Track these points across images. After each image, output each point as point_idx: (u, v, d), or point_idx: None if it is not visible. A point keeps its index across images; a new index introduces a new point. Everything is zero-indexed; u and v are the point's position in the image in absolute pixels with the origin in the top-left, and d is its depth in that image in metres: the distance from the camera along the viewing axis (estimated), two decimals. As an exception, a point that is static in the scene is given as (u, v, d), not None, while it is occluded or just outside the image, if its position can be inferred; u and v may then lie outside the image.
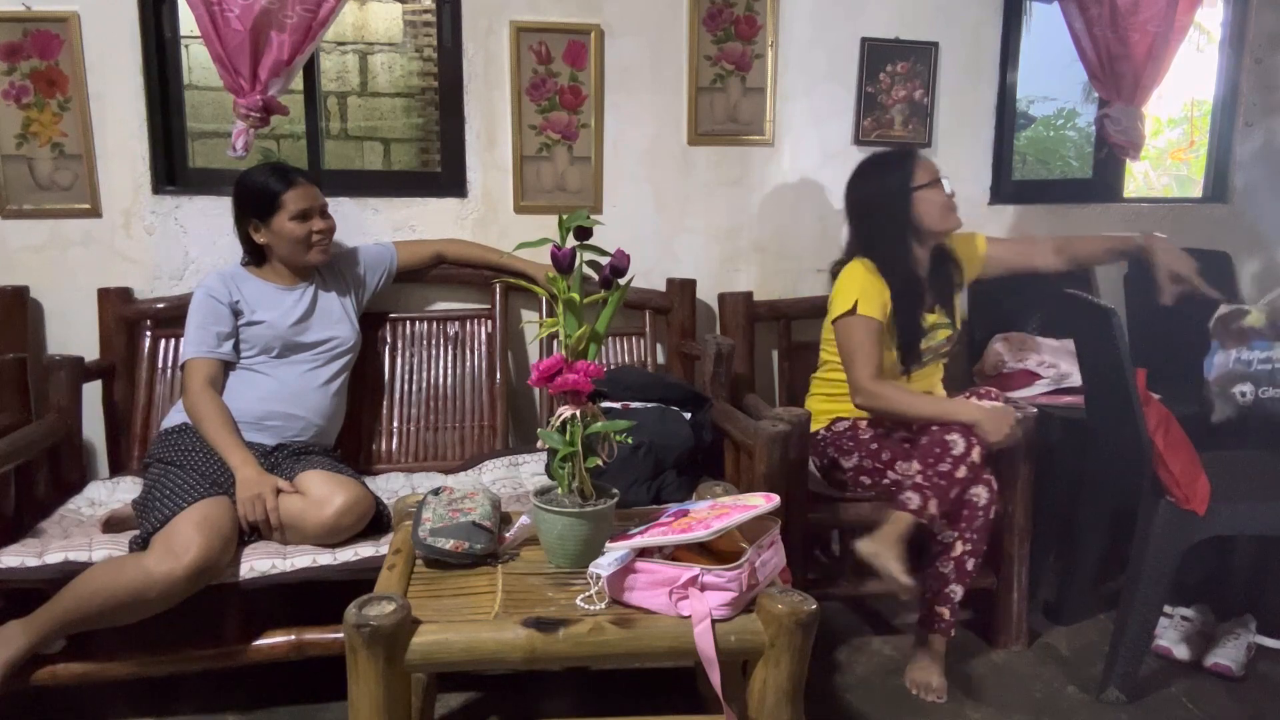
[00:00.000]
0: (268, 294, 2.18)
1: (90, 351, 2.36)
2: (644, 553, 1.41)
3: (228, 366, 2.13)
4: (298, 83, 2.46)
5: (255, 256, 2.24)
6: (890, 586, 1.97)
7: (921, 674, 2.10)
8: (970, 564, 2.08)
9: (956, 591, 2.08)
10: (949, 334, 2.33)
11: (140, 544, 1.79)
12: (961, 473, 2.01)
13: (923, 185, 2.22)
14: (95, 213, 2.43)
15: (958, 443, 2.03)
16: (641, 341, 2.64)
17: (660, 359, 2.68)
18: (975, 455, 2.02)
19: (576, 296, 1.52)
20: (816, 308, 2.51)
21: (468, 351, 2.54)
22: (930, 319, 2.29)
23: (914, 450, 2.10)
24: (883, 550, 1.96)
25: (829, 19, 2.72)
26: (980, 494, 2.06)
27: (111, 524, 1.92)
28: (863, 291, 2.18)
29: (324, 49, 3.72)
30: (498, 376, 2.51)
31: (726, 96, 2.70)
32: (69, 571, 1.74)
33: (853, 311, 2.17)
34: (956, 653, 2.23)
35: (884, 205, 2.24)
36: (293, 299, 2.20)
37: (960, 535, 2.07)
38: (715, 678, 1.36)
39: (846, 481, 2.24)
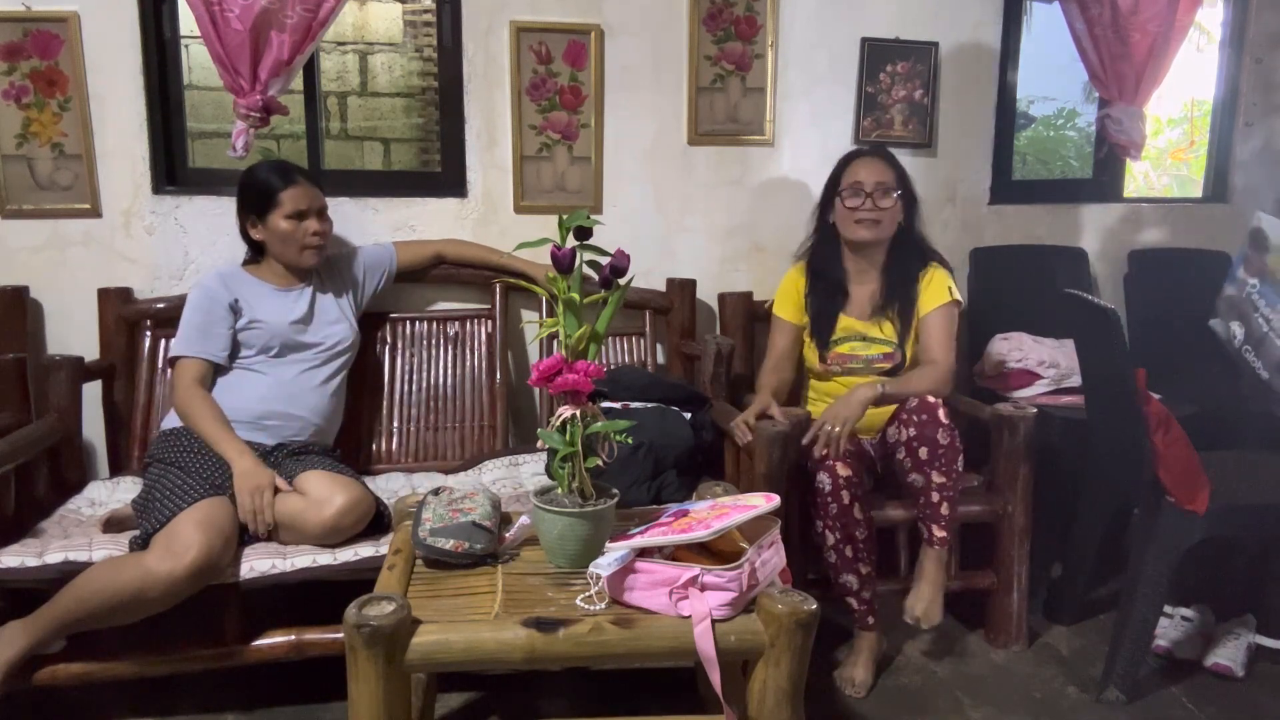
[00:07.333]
0: (266, 294, 2.18)
1: (90, 351, 2.36)
2: (644, 553, 1.41)
3: (217, 370, 2.11)
4: (298, 83, 2.46)
5: (255, 254, 2.24)
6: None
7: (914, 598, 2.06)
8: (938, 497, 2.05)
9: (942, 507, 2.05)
10: (888, 350, 2.30)
11: (140, 544, 1.79)
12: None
13: (842, 189, 2.27)
14: (95, 213, 2.43)
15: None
16: (641, 341, 2.64)
17: (660, 359, 2.68)
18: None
19: (576, 296, 1.52)
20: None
21: (468, 351, 2.54)
22: (858, 326, 2.31)
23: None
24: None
25: (829, 19, 2.72)
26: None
27: (111, 524, 1.92)
28: (781, 292, 2.40)
29: (324, 49, 3.71)
30: (498, 376, 2.51)
31: (726, 96, 2.69)
32: (69, 571, 1.74)
33: (769, 310, 2.43)
34: (957, 653, 2.23)
35: (821, 201, 2.38)
36: (291, 299, 2.20)
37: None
38: (715, 678, 1.36)
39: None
